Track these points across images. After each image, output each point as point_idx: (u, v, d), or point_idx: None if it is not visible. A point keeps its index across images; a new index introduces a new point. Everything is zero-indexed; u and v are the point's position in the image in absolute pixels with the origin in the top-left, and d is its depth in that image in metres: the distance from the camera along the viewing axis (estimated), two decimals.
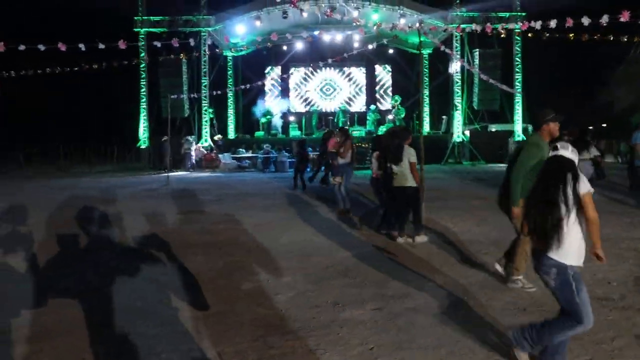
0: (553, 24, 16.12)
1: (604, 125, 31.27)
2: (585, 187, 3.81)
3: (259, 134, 28.67)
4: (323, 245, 8.41)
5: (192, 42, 22.50)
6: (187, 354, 4.49)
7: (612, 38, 19.23)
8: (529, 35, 20.35)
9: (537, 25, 16.30)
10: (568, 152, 3.93)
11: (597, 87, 29.03)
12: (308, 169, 16.81)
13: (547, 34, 18.68)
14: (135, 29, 26.25)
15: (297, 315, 5.34)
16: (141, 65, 26.30)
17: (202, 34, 26.35)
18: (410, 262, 7.29)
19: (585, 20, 15.29)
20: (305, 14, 22.44)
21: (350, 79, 32.76)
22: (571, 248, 3.80)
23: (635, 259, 7.19)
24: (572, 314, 3.81)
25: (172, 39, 20.83)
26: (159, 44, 22.16)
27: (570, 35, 18.73)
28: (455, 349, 4.46)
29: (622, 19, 13.22)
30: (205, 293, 6.02)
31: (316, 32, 25.02)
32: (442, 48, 22.00)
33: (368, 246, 8.30)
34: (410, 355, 4.39)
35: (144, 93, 26.83)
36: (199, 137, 26.84)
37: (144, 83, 26.84)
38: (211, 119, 27.72)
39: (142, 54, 25.99)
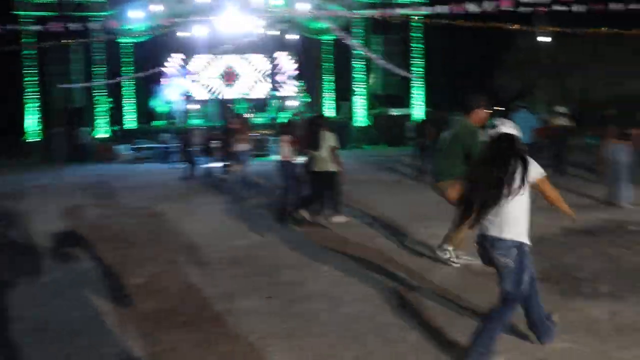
0: (446, 9, 16.56)
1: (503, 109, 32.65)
2: (538, 171, 3.78)
3: (159, 123, 27.81)
4: (219, 235, 8.23)
5: (83, 27, 21.33)
6: (66, 358, 4.25)
7: (505, 25, 19.94)
8: (428, 21, 20.83)
9: (438, 10, 16.67)
10: (508, 128, 3.84)
11: (494, 72, 30.24)
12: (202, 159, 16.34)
13: (446, 20, 19.16)
14: (15, 12, 24.48)
15: (187, 308, 5.18)
16: (23, 52, 24.65)
17: (95, 18, 25.10)
18: (313, 247, 7.27)
19: (472, 7, 15.65)
20: None
21: (252, 66, 32.38)
22: (526, 225, 3.78)
23: None
24: (512, 294, 3.74)
25: (61, 24, 19.66)
26: (42, 28, 20.73)
27: (457, 22, 19.23)
28: (348, 334, 4.45)
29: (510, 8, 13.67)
30: (94, 290, 5.72)
31: (217, 18, 24.46)
32: (338, 34, 22.07)
33: (267, 233, 8.21)
34: (301, 343, 4.35)
35: (33, 82, 25.25)
36: (95, 128, 25.67)
37: (35, 71, 25.26)
38: (110, 109, 26.58)
39: (27, 40, 24.34)
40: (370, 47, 27.19)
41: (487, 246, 3.82)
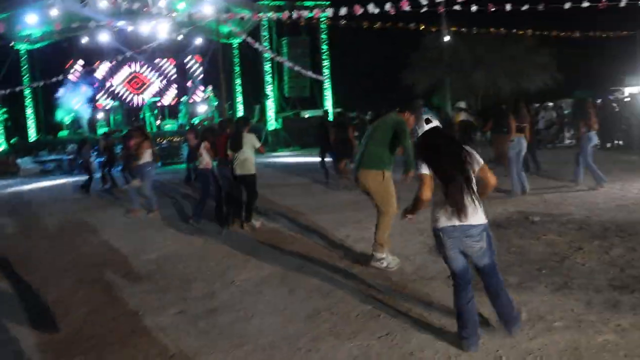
0: (352, 11, 16.76)
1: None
2: (480, 159, 4.00)
3: (63, 133, 26.62)
4: (124, 250, 7.90)
5: None
6: None
7: (412, 25, 20.44)
8: (330, 22, 21.02)
9: (342, 12, 16.82)
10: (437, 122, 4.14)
11: (399, 71, 30.95)
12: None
13: (349, 22, 19.40)
14: None
15: (93, 331, 4.93)
16: None
17: None
18: (226, 255, 7.13)
19: (373, 10, 15.92)
20: (105, 2, 21.11)
21: (160, 71, 31.58)
22: (482, 207, 3.98)
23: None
24: (493, 267, 4.03)
25: None
26: None
27: (365, 24, 19.57)
28: (258, 347, 4.35)
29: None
30: None
31: (121, 22, 23.68)
32: (243, 38, 21.88)
33: (176, 244, 7.99)
34: (208, 359, 4.22)
35: None
36: None
37: None
38: (5, 120, 25.15)
39: None
40: (279, 50, 27.20)
41: (460, 235, 3.92)
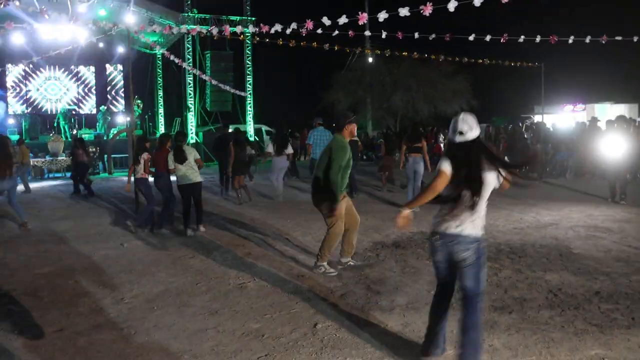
0: (279, 28, 16.73)
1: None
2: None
3: None
4: (14, 264, 7.52)
5: None
6: None
7: (335, 47, 20.61)
8: (257, 39, 20.96)
9: (265, 30, 16.76)
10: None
11: (321, 89, 31.22)
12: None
13: (273, 39, 19.39)
14: None
15: None
16: None
17: None
18: (121, 268, 6.89)
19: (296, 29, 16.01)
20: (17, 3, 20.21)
21: (78, 79, 30.57)
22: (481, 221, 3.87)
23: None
24: (479, 290, 3.84)
25: None
26: None
27: (293, 41, 19.65)
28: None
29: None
30: None
31: (36, 25, 22.75)
32: (159, 51, 21.48)
33: (72, 258, 7.66)
34: None
35: None
36: None
37: None
38: None
39: None
40: (203, 63, 26.94)
41: (450, 242, 3.85)
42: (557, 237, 8.36)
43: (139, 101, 27.12)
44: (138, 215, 9.99)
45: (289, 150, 13.24)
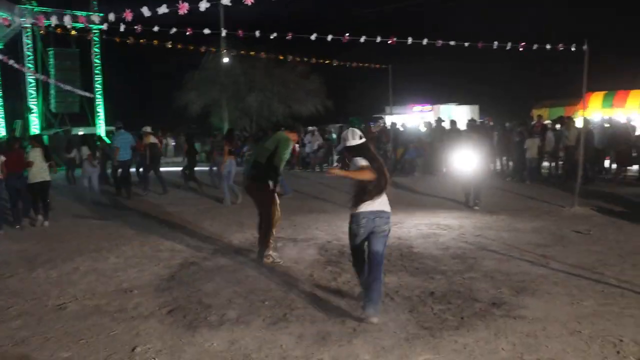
0: (122, 28, 15.83)
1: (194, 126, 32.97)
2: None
3: None
4: None
5: None
6: None
7: (188, 47, 19.96)
8: (104, 37, 19.83)
9: (113, 27, 15.77)
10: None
11: (175, 90, 30.19)
12: None
13: (122, 37, 18.39)
14: None
15: None
16: None
17: None
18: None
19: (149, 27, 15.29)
20: None
21: None
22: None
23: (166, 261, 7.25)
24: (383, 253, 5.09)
25: None
26: None
27: (144, 40, 18.77)
28: None
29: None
30: None
31: None
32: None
33: None
34: None
35: None
36: None
37: None
38: None
39: None
40: (46, 61, 25.09)
41: (378, 219, 5.00)
42: (401, 236, 8.49)
43: None
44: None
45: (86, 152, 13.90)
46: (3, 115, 28.45)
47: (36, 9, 24.67)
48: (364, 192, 4.96)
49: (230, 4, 7.72)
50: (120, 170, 13.82)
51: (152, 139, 14.57)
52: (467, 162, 11.29)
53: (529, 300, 5.40)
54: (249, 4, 7.61)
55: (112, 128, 26.16)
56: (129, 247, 8.15)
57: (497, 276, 6.25)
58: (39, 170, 10.16)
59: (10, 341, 4.74)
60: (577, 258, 6.99)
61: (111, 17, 8.38)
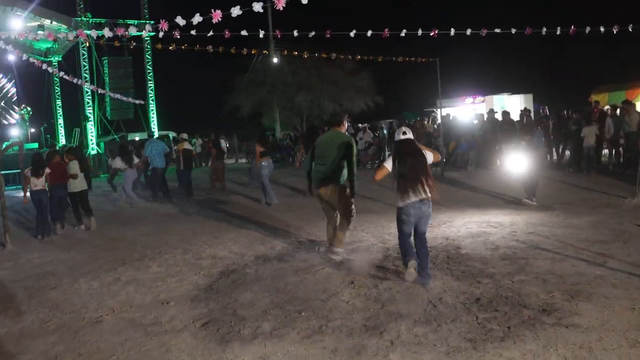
0: (177, 34, 16.01)
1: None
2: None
3: None
4: None
5: None
6: None
7: (244, 50, 20.09)
8: (159, 45, 20.09)
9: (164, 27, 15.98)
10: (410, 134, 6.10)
11: (226, 93, 30.49)
12: None
13: (172, 44, 18.60)
14: None
15: None
16: None
17: None
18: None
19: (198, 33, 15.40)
20: None
21: None
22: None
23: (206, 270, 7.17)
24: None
25: None
26: None
27: (194, 46, 18.96)
28: None
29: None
30: None
31: None
32: (54, 58, 20.27)
33: None
34: None
35: None
36: None
37: None
38: None
39: None
40: (101, 70, 25.69)
41: (419, 206, 5.93)
42: (449, 236, 8.18)
43: (23, 111, 25.59)
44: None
45: (136, 161, 14.13)
46: (63, 124, 29.40)
47: (91, 20, 25.26)
48: (402, 188, 5.92)
49: (283, 8, 7.59)
50: (153, 177, 14.28)
51: (187, 145, 14.85)
52: (521, 155, 10.79)
53: (583, 306, 5.00)
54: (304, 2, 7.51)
55: (167, 133, 26.67)
56: (171, 255, 8.11)
57: (549, 278, 5.87)
58: (78, 180, 11.00)
59: (45, 357, 4.73)
60: (639, 256, 6.52)
61: (164, 26, 8.47)
